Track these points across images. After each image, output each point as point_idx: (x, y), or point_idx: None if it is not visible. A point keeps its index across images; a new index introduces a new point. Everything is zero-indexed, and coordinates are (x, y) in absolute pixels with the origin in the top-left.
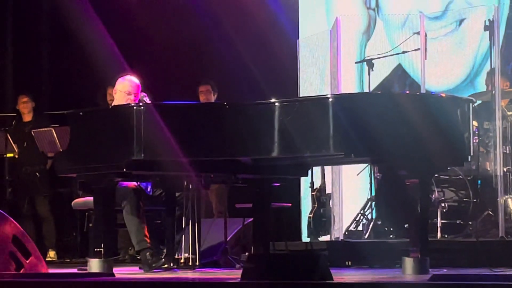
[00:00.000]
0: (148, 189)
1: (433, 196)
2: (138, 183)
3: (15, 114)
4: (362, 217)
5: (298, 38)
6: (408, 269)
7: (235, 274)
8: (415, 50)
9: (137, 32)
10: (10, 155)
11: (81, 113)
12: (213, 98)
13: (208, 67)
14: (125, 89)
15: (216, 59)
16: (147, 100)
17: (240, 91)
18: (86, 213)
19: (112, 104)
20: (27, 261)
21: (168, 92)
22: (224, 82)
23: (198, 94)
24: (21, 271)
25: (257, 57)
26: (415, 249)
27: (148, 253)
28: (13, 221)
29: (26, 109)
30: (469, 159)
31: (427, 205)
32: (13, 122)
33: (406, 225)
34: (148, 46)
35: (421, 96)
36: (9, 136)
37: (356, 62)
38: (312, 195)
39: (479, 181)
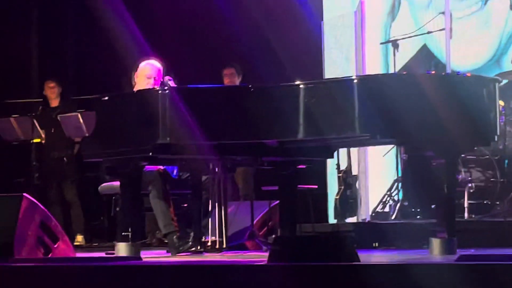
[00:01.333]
0: (174, 173)
1: (460, 176)
2: (164, 167)
3: (42, 100)
4: (388, 198)
5: (322, 20)
6: (435, 250)
7: (262, 257)
8: (440, 30)
9: (161, 16)
10: (37, 140)
11: (106, 98)
12: (237, 81)
13: (232, 50)
14: (146, 73)
15: (241, 42)
16: (172, 84)
17: (264, 74)
18: (113, 197)
19: (134, 88)
20: (55, 246)
21: (192, 75)
22: (249, 65)
23: (223, 77)
24: (49, 256)
25: (282, 39)
26: (442, 229)
27: (175, 237)
28: (41, 206)
29: (53, 94)
30: (496, 139)
31: (454, 186)
32: (40, 108)
33: (433, 206)
34: (172, 30)
35: (446, 76)
36: (35, 122)
37: (381, 43)
38: (338, 177)
39: (506, 161)
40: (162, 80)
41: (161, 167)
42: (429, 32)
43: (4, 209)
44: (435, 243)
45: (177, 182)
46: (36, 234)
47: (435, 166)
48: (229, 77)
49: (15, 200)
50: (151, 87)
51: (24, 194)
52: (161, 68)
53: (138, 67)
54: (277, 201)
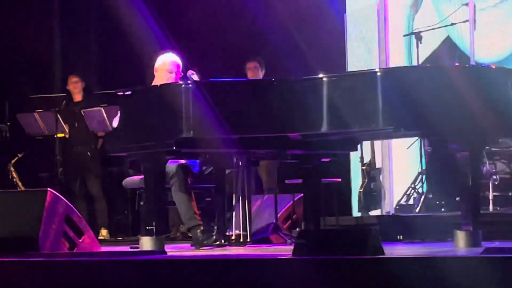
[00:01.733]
0: (196, 167)
1: (485, 168)
2: (185, 161)
3: (65, 95)
4: (413, 191)
5: (345, 12)
6: (460, 242)
7: (286, 251)
8: (464, 21)
9: (185, 10)
10: (61, 135)
11: (130, 92)
12: (261, 74)
13: (255, 43)
14: (166, 67)
15: (264, 35)
16: (195, 77)
17: (288, 67)
18: (137, 192)
19: (153, 83)
20: (80, 240)
21: (215, 69)
22: (272, 58)
23: (246, 71)
24: (74, 250)
25: (305, 32)
26: (467, 222)
27: (198, 230)
28: (66, 200)
29: (76, 89)
30: None
31: (479, 178)
32: (63, 102)
33: (457, 198)
34: (196, 24)
35: (470, 68)
36: (59, 116)
37: (404, 35)
38: (362, 170)
39: None
40: (182, 74)
41: (183, 161)
42: (452, 24)
43: (29, 204)
44: (460, 235)
45: (200, 176)
46: (61, 229)
47: (459, 158)
48: (253, 71)
49: (40, 195)
50: (172, 81)
51: (49, 189)
52: (180, 62)
53: (156, 61)
54: (301, 195)
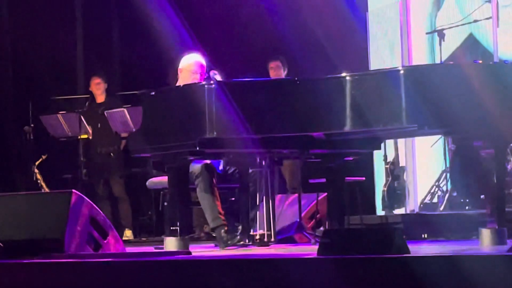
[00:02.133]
0: (220, 168)
1: (509, 166)
2: (210, 161)
3: (88, 96)
4: (437, 189)
5: (367, 10)
6: (486, 240)
7: (310, 250)
8: (487, 18)
9: (206, 10)
10: (84, 136)
11: (152, 93)
12: (283, 73)
13: (278, 42)
14: (191, 68)
15: (286, 35)
16: (218, 78)
17: (310, 66)
18: (161, 192)
19: (177, 83)
20: (105, 241)
21: (238, 69)
22: (295, 58)
23: (268, 70)
24: (99, 251)
25: (327, 31)
26: (492, 220)
27: (223, 230)
28: (90, 202)
29: (99, 90)
30: None
31: (503, 175)
32: (86, 104)
33: (482, 196)
34: (217, 24)
35: (494, 65)
36: (82, 118)
37: (426, 33)
38: (386, 168)
39: None
40: (206, 74)
41: (208, 161)
42: (475, 21)
43: (54, 205)
44: (485, 233)
45: (224, 176)
46: (86, 230)
47: (484, 156)
48: (275, 70)
49: (65, 197)
50: (198, 82)
51: (73, 190)
52: (205, 63)
53: (180, 62)
54: (325, 194)
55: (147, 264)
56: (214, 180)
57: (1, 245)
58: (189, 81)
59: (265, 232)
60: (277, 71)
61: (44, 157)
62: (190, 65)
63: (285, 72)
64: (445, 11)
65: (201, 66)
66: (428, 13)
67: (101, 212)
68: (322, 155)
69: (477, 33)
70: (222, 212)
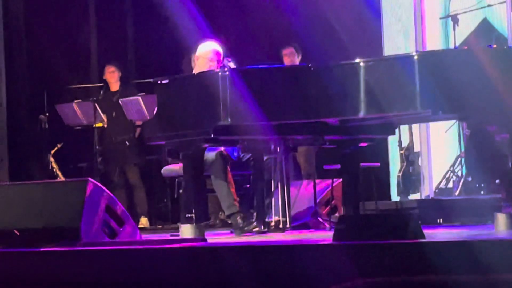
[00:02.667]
0: (235, 154)
1: None
2: (224, 148)
3: (102, 84)
4: (452, 174)
5: None
6: (501, 225)
7: (326, 236)
8: (501, 3)
9: None
10: (99, 125)
11: (167, 81)
12: (297, 60)
13: (291, 29)
14: (208, 56)
15: (300, 21)
16: (231, 65)
17: (324, 52)
18: (176, 180)
19: (194, 70)
20: (121, 229)
21: (251, 56)
22: (308, 44)
23: (282, 57)
24: (115, 239)
25: (340, 17)
26: (508, 204)
27: (238, 217)
28: (106, 190)
29: (113, 78)
30: None
31: None
32: (101, 92)
33: (497, 181)
34: (231, 11)
35: (508, 50)
36: (97, 106)
37: (440, 18)
38: (401, 154)
39: None
40: (222, 62)
41: (222, 148)
42: (489, 5)
43: (70, 194)
44: (501, 218)
45: (239, 163)
46: (102, 218)
47: (499, 140)
48: (289, 57)
49: (81, 185)
50: (214, 69)
51: (89, 178)
52: (221, 50)
53: (197, 49)
54: (340, 180)
55: (163, 252)
56: (228, 167)
57: (18, 233)
58: (205, 68)
59: (281, 219)
60: (291, 57)
61: (59, 145)
62: (207, 53)
63: (299, 58)
64: None
65: (218, 53)
66: None
67: (117, 200)
68: (336, 141)
69: (491, 17)
70: (237, 199)
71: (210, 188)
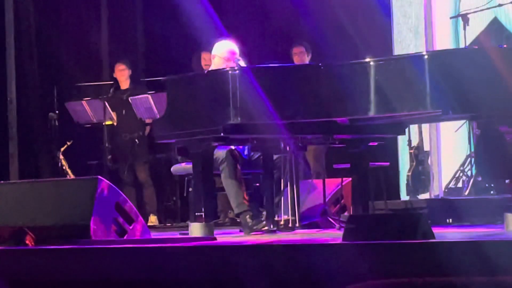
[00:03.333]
0: (245, 153)
1: None
2: (235, 147)
3: (112, 82)
4: (461, 174)
5: None
6: (511, 225)
7: (335, 235)
8: (511, 2)
9: None
10: (109, 123)
11: (177, 79)
12: (307, 59)
13: (301, 28)
14: (225, 55)
15: (310, 20)
16: (242, 63)
17: (334, 51)
18: (186, 178)
19: (210, 69)
20: (130, 227)
21: (261, 54)
22: (318, 43)
23: (292, 56)
24: (125, 237)
25: (351, 16)
26: None
27: (247, 216)
28: (115, 188)
29: (123, 76)
30: None
31: None
32: (111, 90)
33: (507, 181)
34: (241, 9)
35: None
36: (107, 104)
37: (450, 17)
38: (410, 153)
39: None
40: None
41: (232, 147)
42: (500, 5)
43: (80, 192)
44: (510, 218)
45: (248, 162)
46: (111, 216)
47: (509, 140)
48: (299, 56)
49: (91, 183)
50: None
51: (99, 176)
52: (237, 50)
53: (212, 47)
54: (349, 179)
55: (172, 250)
56: (238, 166)
57: (28, 231)
58: (222, 67)
59: (290, 218)
60: (301, 56)
61: (69, 143)
62: (224, 52)
63: (309, 57)
64: None
65: (234, 53)
66: None
67: (127, 198)
68: (346, 140)
69: (501, 17)
70: (247, 197)
71: (220, 187)
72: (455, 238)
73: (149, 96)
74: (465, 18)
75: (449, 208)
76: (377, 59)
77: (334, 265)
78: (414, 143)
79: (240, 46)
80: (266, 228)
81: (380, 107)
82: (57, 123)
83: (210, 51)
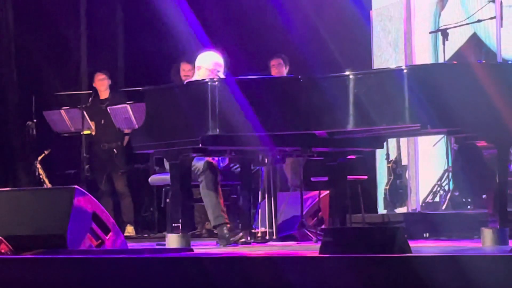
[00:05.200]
0: (222, 165)
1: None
2: (213, 158)
3: (91, 92)
4: (439, 188)
5: (371, 9)
6: (487, 240)
7: (312, 248)
8: (491, 18)
9: (210, 6)
10: (87, 132)
11: (156, 90)
12: (285, 71)
13: (281, 40)
14: (211, 67)
15: (289, 32)
16: (221, 74)
17: (313, 64)
18: (163, 189)
19: (191, 79)
20: (107, 237)
21: (239, 66)
22: (298, 55)
23: (270, 68)
24: (102, 247)
25: (330, 29)
26: (494, 219)
27: (225, 228)
28: (92, 197)
29: (102, 86)
30: None
31: (506, 175)
32: (90, 100)
33: (484, 196)
34: (220, 20)
35: (497, 65)
36: (85, 114)
37: (430, 32)
38: (388, 167)
39: None
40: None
41: (211, 158)
42: (479, 21)
43: (57, 201)
44: (487, 233)
45: (226, 173)
46: (88, 226)
47: (486, 155)
48: (277, 68)
49: (68, 192)
50: None
51: (76, 186)
52: (222, 62)
53: (198, 58)
54: (327, 192)
55: (149, 261)
56: (218, 178)
57: (3, 240)
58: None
59: (267, 230)
60: (279, 68)
61: (46, 152)
62: (210, 64)
63: (287, 69)
64: (449, 10)
65: (219, 65)
66: (432, 12)
67: (104, 208)
68: (324, 153)
69: (480, 32)
70: (225, 209)
71: (197, 198)
72: (432, 252)
73: (128, 106)
74: (444, 33)
75: (426, 222)
76: (357, 73)
77: (311, 278)
78: (392, 157)
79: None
80: (243, 240)
81: (359, 120)
82: (34, 132)
83: (189, 61)
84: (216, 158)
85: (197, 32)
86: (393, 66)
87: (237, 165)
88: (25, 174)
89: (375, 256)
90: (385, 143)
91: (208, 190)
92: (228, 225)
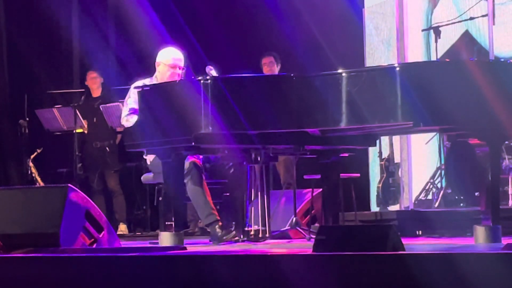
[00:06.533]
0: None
1: (504, 163)
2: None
3: (83, 90)
4: (431, 186)
5: (364, 7)
6: (480, 238)
7: (306, 246)
8: (483, 16)
9: (201, 4)
10: (79, 130)
11: (149, 88)
12: (276, 69)
13: (273, 38)
14: (170, 62)
15: (281, 30)
16: (213, 73)
17: (305, 62)
18: (156, 187)
19: (154, 77)
20: (100, 236)
21: (231, 64)
22: (290, 53)
23: (262, 66)
24: (94, 246)
25: (323, 27)
26: (487, 217)
27: (217, 226)
28: (85, 196)
29: (95, 84)
30: None
31: (498, 173)
32: (82, 98)
33: (476, 193)
34: (211, 19)
35: (489, 63)
36: (78, 112)
37: (422, 30)
38: (381, 165)
39: None
40: (185, 68)
41: (194, 157)
42: (471, 18)
43: (50, 199)
44: (480, 231)
45: (218, 171)
46: (81, 224)
47: (479, 153)
48: (268, 66)
49: (61, 191)
50: (177, 77)
51: (69, 184)
52: (183, 57)
53: (158, 55)
54: (320, 190)
55: (142, 259)
56: (203, 176)
57: None
58: (167, 75)
59: (260, 228)
60: (270, 66)
61: (39, 151)
62: (169, 59)
63: (278, 67)
64: (441, 8)
65: (179, 60)
66: (424, 10)
67: (97, 207)
68: (317, 151)
69: (472, 30)
70: (215, 207)
71: (188, 197)
72: (424, 250)
73: (120, 104)
74: (437, 31)
75: (419, 220)
76: (349, 71)
77: (304, 276)
78: (385, 154)
79: (210, 55)
80: (236, 238)
81: (351, 118)
82: (27, 131)
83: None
84: (201, 156)
85: (185, 31)
86: (385, 64)
87: (230, 163)
88: (17, 172)
89: (368, 254)
90: (377, 141)
91: (195, 190)
92: (220, 223)
